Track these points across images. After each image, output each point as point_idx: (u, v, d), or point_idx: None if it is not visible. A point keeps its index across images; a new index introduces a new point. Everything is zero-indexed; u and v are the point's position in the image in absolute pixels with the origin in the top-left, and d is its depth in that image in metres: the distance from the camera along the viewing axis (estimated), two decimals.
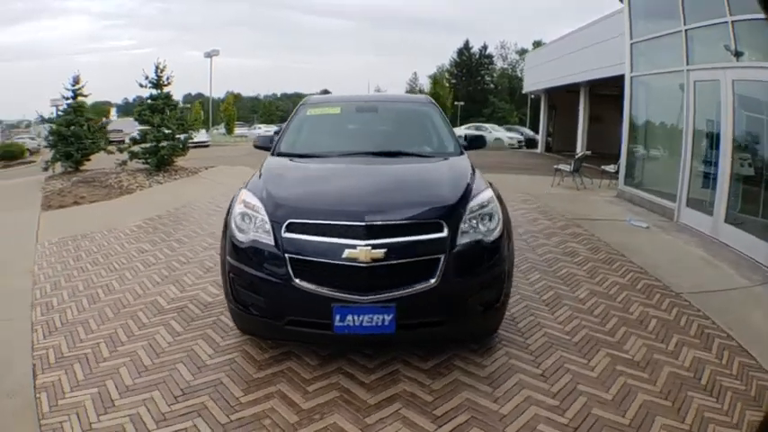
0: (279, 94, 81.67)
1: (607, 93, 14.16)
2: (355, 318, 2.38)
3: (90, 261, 4.72)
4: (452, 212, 2.58)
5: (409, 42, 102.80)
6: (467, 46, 50.02)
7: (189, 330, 3.18)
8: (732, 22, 5.27)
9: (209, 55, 23.49)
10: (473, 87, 47.07)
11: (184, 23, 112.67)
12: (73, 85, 11.04)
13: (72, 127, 10.62)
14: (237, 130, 35.64)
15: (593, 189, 9.32)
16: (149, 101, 10.52)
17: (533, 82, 20.07)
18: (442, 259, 2.46)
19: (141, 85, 10.55)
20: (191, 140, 11.22)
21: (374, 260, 2.39)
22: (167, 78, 10.68)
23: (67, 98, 11.16)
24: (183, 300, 3.67)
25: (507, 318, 3.37)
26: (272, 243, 2.49)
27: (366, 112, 3.97)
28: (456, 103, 39.70)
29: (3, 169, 20.00)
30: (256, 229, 2.57)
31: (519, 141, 23.06)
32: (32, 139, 26.36)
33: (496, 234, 2.68)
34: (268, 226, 2.52)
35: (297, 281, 2.43)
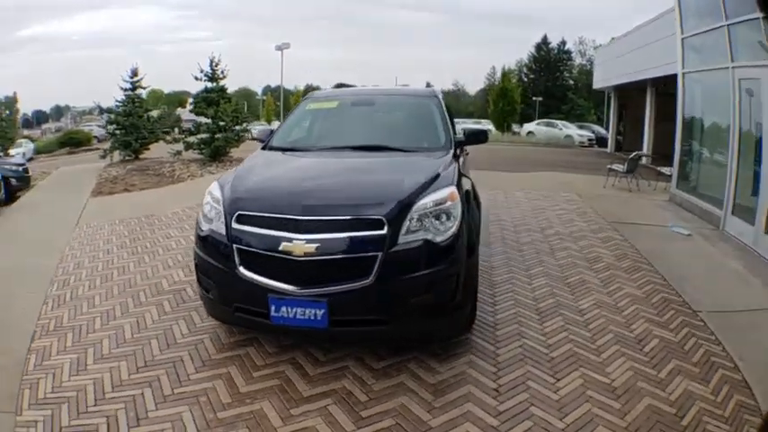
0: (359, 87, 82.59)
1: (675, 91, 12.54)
2: (289, 310, 2.38)
3: (118, 244, 5.15)
4: (396, 210, 2.46)
5: (490, 36, 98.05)
6: (545, 41, 47.90)
7: (176, 311, 3.39)
8: (763, 18, 4.52)
9: (279, 48, 24.24)
10: (552, 83, 45.16)
11: (262, 15, 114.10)
12: (131, 77, 11.67)
13: (130, 117, 11.29)
14: None
15: (647, 192, 8.42)
16: (204, 93, 11.05)
17: (602, 78, 18.60)
18: (380, 257, 2.36)
19: (197, 78, 11.08)
20: (246, 132, 11.45)
21: (307, 254, 2.36)
22: (222, 72, 11.15)
23: (126, 89, 11.73)
24: (184, 284, 3.92)
25: (488, 324, 3.20)
26: (224, 233, 2.55)
27: (362, 106, 3.88)
28: (534, 98, 38.08)
29: (68, 155, 21.03)
30: (215, 220, 2.64)
31: (590, 140, 21.56)
32: (101, 126, 27.80)
33: (449, 234, 2.50)
34: (223, 217, 2.58)
35: (241, 270, 2.47)
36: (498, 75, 45.43)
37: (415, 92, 4.29)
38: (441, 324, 2.64)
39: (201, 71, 11.03)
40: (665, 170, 8.29)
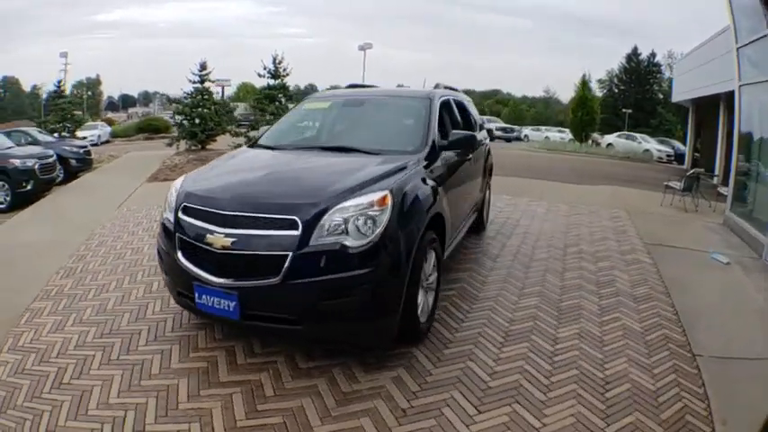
0: None
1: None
2: (209, 298, 2.46)
3: (144, 227, 5.48)
4: (312, 211, 2.40)
5: (581, 44, 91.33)
6: (635, 52, 44.85)
7: (160, 292, 3.65)
8: None
9: (362, 48, 24.81)
10: (641, 96, 42.15)
11: (353, 14, 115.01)
12: (200, 71, 12.43)
13: (198, 109, 11.95)
14: None
15: (705, 212, 7.28)
16: (267, 90, 11.56)
17: (680, 91, 16.77)
18: (289, 257, 2.32)
19: (260, 75, 11.63)
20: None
21: (224, 248, 2.42)
22: (284, 69, 11.59)
23: (194, 82, 12.33)
24: None
25: (442, 340, 3.01)
26: (172, 222, 2.70)
27: (350, 107, 3.83)
28: (624, 110, 35.59)
29: (144, 141, 21.55)
30: (169, 210, 2.80)
31: (668, 155, 20.01)
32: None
33: (368, 240, 2.38)
34: (174, 208, 2.73)
35: (179, 256, 2.60)
36: (591, 83, 43.16)
37: (410, 93, 4.12)
38: (361, 331, 2.52)
39: (265, 68, 11.60)
40: (725, 190, 7.12)
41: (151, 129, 23.48)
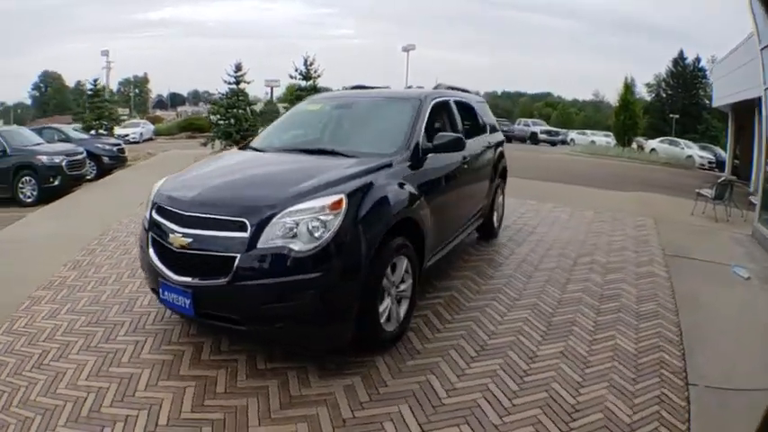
0: (500, 92, 79.09)
1: None
2: (169, 294, 2.53)
3: None
4: (262, 214, 2.38)
5: (632, 47, 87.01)
6: (681, 56, 43.38)
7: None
8: None
9: (405, 49, 24.73)
10: (688, 101, 40.55)
11: (402, 16, 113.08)
12: (235, 72, 12.79)
13: (233, 110, 12.23)
14: None
15: (736, 222, 6.65)
16: (297, 91, 11.71)
17: (719, 96, 15.86)
18: (237, 259, 2.32)
19: (291, 77, 11.77)
20: None
21: (182, 247, 2.47)
22: (315, 71, 11.69)
23: (230, 83, 12.62)
24: None
25: (410, 350, 2.88)
26: (147, 220, 2.80)
27: (340, 109, 3.79)
28: (672, 115, 34.59)
29: (186, 140, 21.74)
30: (147, 209, 2.91)
31: (710, 162, 19.57)
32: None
33: (316, 245, 2.32)
34: (149, 207, 2.83)
35: (150, 253, 2.68)
36: (638, 87, 41.41)
37: (401, 95, 4.00)
38: (310, 336, 2.47)
39: (296, 69, 11.78)
40: (756, 199, 6.48)
41: (193, 128, 23.73)
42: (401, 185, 2.93)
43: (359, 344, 2.66)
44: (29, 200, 8.57)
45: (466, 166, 4.05)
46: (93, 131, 16.32)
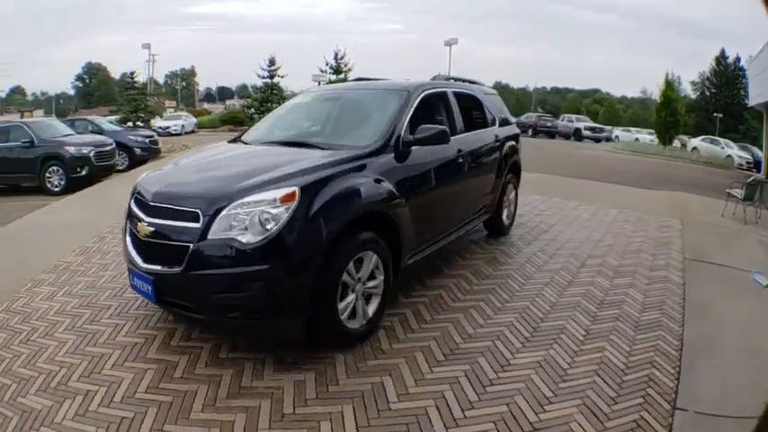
0: (549, 88, 76.47)
1: None
2: (137, 280, 2.60)
3: None
4: (214, 204, 2.37)
5: (680, 45, 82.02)
6: (723, 55, 41.53)
7: None
8: None
9: (448, 43, 24.22)
10: (730, 100, 38.78)
11: (453, 11, 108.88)
12: (269, 66, 13.00)
13: (267, 104, 12.44)
14: None
15: (764, 224, 6.08)
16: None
17: (754, 95, 15.54)
18: (190, 249, 2.34)
19: (322, 71, 11.80)
20: None
21: (146, 236, 2.51)
22: (346, 65, 11.65)
23: (264, 77, 13.04)
24: None
25: (374, 350, 2.77)
26: (127, 209, 2.88)
27: (329, 101, 3.71)
28: (715, 114, 33.30)
29: (228, 132, 21.56)
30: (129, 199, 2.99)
31: (748, 162, 18.87)
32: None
33: (264, 237, 2.28)
34: (130, 196, 2.91)
35: (126, 240, 2.77)
36: (684, 85, 39.31)
37: (390, 86, 3.82)
38: (261, 327, 2.46)
39: (327, 63, 11.83)
40: None
41: (235, 121, 23.90)
42: (373, 179, 2.81)
43: (318, 339, 2.60)
44: (56, 189, 8.88)
45: (461, 160, 3.83)
46: (129, 123, 16.94)
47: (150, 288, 2.49)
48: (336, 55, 11.87)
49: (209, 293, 2.35)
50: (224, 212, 2.33)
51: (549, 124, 25.02)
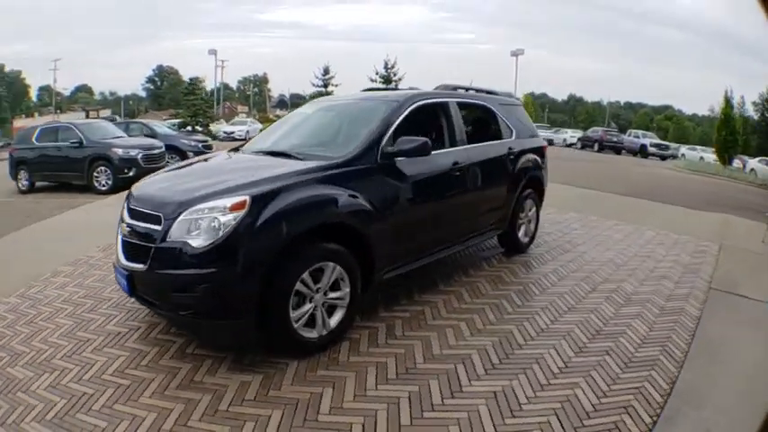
0: (622, 103, 75.69)
1: None
2: (118, 275, 2.87)
3: None
4: (174, 209, 2.55)
5: (738, 64, 73.62)
6: None
7: None
8: None
9: (514, 54, 23.62)
10: None
11: (526, 22, 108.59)
12: (323, 75, 13.29)
13: None
14: (540, 132, 33.67)
15: None
16: None
17: None
18: (153, 250, 2.54)
19: (372, 80, 11.96)
20: None
21: (124, 235, 2.76)
22: (395, 74, 11.70)
23: (318, 86, 13.36)
24: None
25: (331, 360, 2.78)
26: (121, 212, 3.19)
27: (325, 111, 3.80)
28: None
29: None
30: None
31: None
32: None
33: (210, 242, 2.42)
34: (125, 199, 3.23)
35: (118, 239, 3.07)
36: (746, 105, 35.06)
37: (383, 97, 3.79)
38: (212, 328, 2.59)
39: (377, 73, 11.99)
40: None
41: None
42: (338, 189, 2.83)
43: (274, 345, 2.69)
44: (103, 188, 9.28)
45: (458, 173, 3.71)
46: (188, 127, 17.84)
47: (126, 283, 2.74)
48: (386, 64, 12.03)
49: (166, 292, 2.54)
50: (181, 217, 2.50)
51: (615, 139, 24.36)
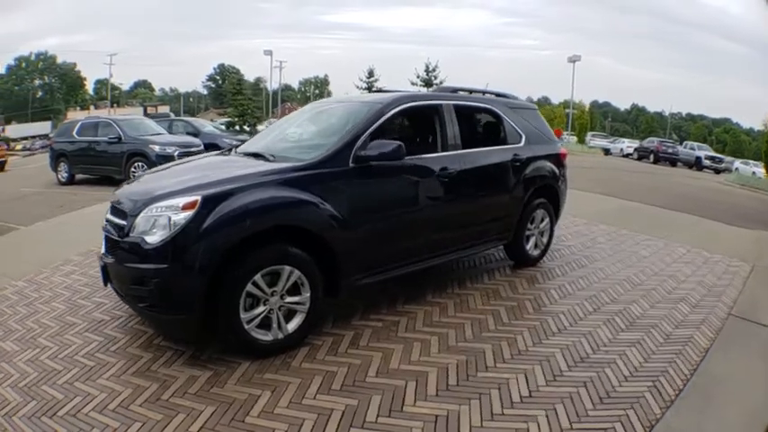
0: (684, 114, 74.93)
1: None
2: (98, 267, 3.05)
3: None
4: (137, 206, 2.69)
5: None
6: None
7: None
8: None
9: (571, 60, 22.66)
10: None
11: (591, 29, 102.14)
12: (368, 77, 13.22)
13: None
14: (597, 141, 32.35)
15: None
16: None
17: None
18: (119, 243, 2.71)
19: (413, 83, 11.80)
20: None
21: (104, 229, 2.96)
22: (436, 77, 11.47)
23: (362, 88, 13.18)
24: None
25: (283, 365, 2.77)
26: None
27: (315, 112, 3.79)
28: None
29: None
30: None
31: None
32: None
33: (161, 240, 2.52)
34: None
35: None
36: None
37: (369, 99, 3.69)
38: (163, 321, 2.71)
39: (418, 76, 11.86)
40: None
41: None
42: (299, 192, 2.82)
43: (225, 343, 2.78)
44: None
45: (446, 180, 3.55)
46: (236, 127, 18.35)
47: (102, 273, 2.94)
48: (428, 67, 11.89)
49: (127, 283, 2.70)
50: (142, 214, 2.64)
51: (670, 151, 23.34)
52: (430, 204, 3.54)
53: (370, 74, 13.60)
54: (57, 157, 10.75)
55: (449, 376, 2.68)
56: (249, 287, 2.65)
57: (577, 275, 4.27)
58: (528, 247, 4.45)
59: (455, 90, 4.13)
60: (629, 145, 27.41)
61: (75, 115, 34.04)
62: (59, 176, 10.69)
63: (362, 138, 3.15)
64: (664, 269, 4.47)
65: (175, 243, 2.51)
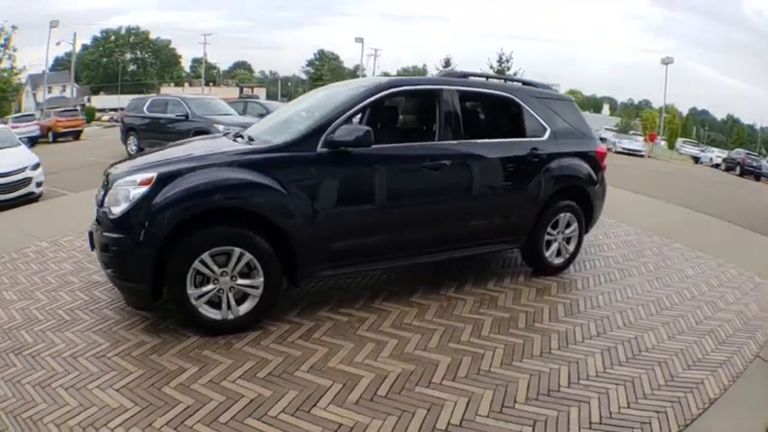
0: None
1: None
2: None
3: None
4: (112, 180, 2.88)
5: None
6: None
7: None
8: None
9: (664, 62, 20.58)
10: None
11: (695, 37, 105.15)
12: (444, 67, 12.46)
13: None
14: (687, 149, 31.15)
15: None
16: None
17: None
18: (98, 212, 2.96)
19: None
20: None
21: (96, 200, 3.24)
22: (509, 69, 10.66)
23: None
24: None
25: (222, 345, 2.80)
26: None
27: (312, 96, 3.70)
28: None
29: None
30: None
31: None
32: None
33: (120, 210, 2.69)
34: None
35: None
36: None
37: (362, 83, 3.46)
38: (122, 289, 2.89)
39: (491, 67, 11.17)
40: None
41: None
42: (260, 176, 2.79)
43: (182, 318, 2.91)
44: None
45: (436, 171, 3.26)
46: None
47: (88, 238, 3.21)
48: (500, 58, 11.19)
49: (99, 250, 2.93)
50: (113, 187, 2.84)
51: (754, 164, 22.49)
52: (412, 198, 3.28)
53: (447, 63, 13.16)
54: (127, 131, 11.26)
55: (382, 385, 2.48)
56: (197, 264, 2.72)
57: (599, 291, 3.67)
58: (548, 253, 3.93)
59: (465, 75, 3.74)
60: (718, 155, 27.13)
61: (169, 91, 36.83)
62: (129, 149, 11.09)
63: (336, 123, 3.02)
64: (704, 293, 3.74)
65: (130, 215, 2.66)
